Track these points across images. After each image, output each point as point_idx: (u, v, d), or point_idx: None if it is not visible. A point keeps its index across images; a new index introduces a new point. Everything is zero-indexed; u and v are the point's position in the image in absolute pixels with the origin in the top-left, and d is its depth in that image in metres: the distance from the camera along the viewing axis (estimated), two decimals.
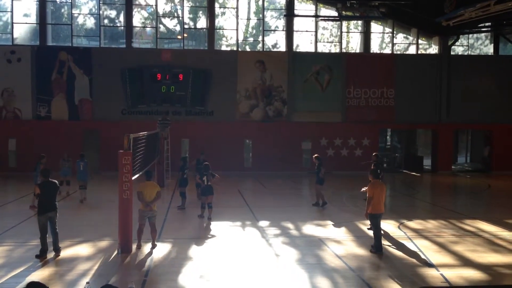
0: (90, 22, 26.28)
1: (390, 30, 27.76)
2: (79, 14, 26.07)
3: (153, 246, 10.81)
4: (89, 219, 14.20)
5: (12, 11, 25.05)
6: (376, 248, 10.56)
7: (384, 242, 11.06)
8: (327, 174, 16.72)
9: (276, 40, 27.49)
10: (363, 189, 10.94)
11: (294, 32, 26.94)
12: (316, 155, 16.60)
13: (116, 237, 10.81)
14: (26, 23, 25.73)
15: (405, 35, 28.48)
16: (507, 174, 26.19)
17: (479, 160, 29.98)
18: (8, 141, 24.64)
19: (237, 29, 26.54)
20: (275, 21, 27.56)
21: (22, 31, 25.73)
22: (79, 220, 14.02)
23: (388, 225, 12.93)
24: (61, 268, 9.41)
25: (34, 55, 24.89)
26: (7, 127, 24.61)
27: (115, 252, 10.42)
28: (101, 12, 25.80)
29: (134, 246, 10.66)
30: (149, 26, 26.61)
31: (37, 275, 8.90)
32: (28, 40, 25.63)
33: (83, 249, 10.72)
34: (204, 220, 13.87)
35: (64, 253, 10.31)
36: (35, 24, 25.48)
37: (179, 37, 26.61)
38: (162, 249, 10.74)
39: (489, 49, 28.76)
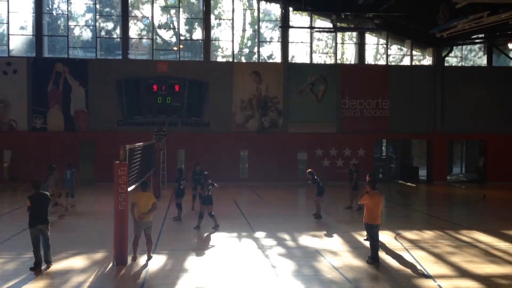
0: (87, 34, 26.36)
1: (385, 41, 27.97)
2: (75, 25, 26.14)
3: (149, 258, 10.75)
4: (84, 231, 14.11)
5: (8, 23, 25.08)
6: (373, 259, 10.54)
7: (381, 253, 11.04)
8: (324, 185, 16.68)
9: (271, 51, 27.64)
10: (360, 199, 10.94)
11: (290, 43, 27.10)
12: (309, 170, 16.68)
13: (111, 249, 10.74)
14: (22, 34, 25.77)
15: (399, 47, 28.70)
16: (502, 185, 26.28)
17: (474, 170, 30.07)
18: (4, 152, 24.53)
19: (232, 41, 26.68)
20: (271, 32, 27.73)
21: (18, 43, 25.75)
22: (74, 232, 13.93)
23: (385, 236, 12.92)
24: (55, 281, 9.33)
25: (30, 67, 24.90)
26: (2, 139, 24.50)
27: (110, 264, 10.35)
28: (97, 24, 25.88)
29: (129, 258, 10.59)
30: (145, 37, 26.71)
31: None
32: (24, 52, 25.65)
33: (78, 261, 10.64)
34: (200, 231, 13.80)
35: (59, 265, 10.24)
36: (31, 36, 25.51)
37: (175, 48, 26.71)
38: (157, 261, 10.68)
39: (483, 60, 29.01)
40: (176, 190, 15.87)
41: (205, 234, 13.52)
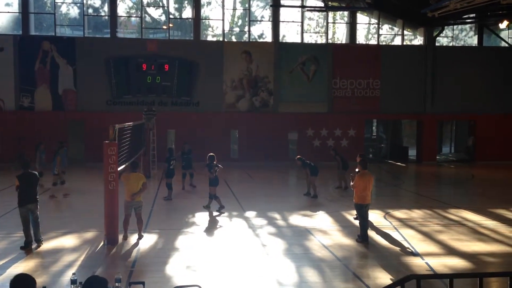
0: (74, 11, 25.88)
1: (376, 21, 27.82)
2: (62, 3, 25.60)
3: (140, 237, 10.77)
4: (75, 210, 14.09)
5: None
6: (362, 237, 10.65)
7: (370, 232, 11.15)
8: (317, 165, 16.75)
9: (262, 31, 27.39)
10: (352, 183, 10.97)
11: (281, 23, 26.85)
12: (297, 157, 16.74)
13: (102, 228, 10.73)
14: (8, 12, 25.22)
15: (390, 26, 28.58)
16: (491, 164, 26.56)
17: (463, 150, 30.35)
18: None
19: (223, 19, 26.36)
20: (261, 11, 27.45)
21: (4, 20, 25.23)
22: (64, 211, 13.90)
23: (374, 215, 13.03)
24: (46, 260, 9.32)
25: (17, 45, 24.42)
26: None
27: (101, 243, 10.35)
28: (85, 1, 25.40)
29: (120, 237, 10.60)
30: (134, 15, 26.30)
31: (22, 267, 8.81)
32: (10, 30, 25.15)
33: (69, 241, 10.64)
34: (194, 210, 13.83)
35: (49, 245, 10.22)
36: (18, 13, 25.00)
37: (165, 27, 26.35)
38: (148, 240, 10.70)
39: (473, 40, 29.01)
40: (166, 170, 15.84)
41: (196, 214, 13.55)
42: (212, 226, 12.18)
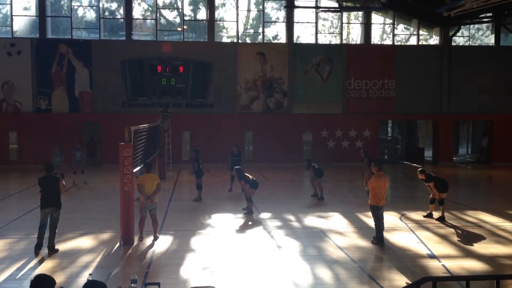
0: (90, 15, 26.17)
1: (391, 21, 27.63)
2: (78, 6, 25.93)
3: (155, 238, 10.83)
4: (91, 211, 14.22)
5: (11, 4, 24.89)
6: (377, 239, 10.58)
7: (386, 234, 11.07)
8: (326, 166, 16.72)
9: (276, 32, 27.39)
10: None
11: (295, 24, 26.81)
12: (305, 158, 16.80)
13: (118, 230, 10.83)
14: (25, 15, 25.61)
15: (406, 26, 28.36)
16: (508, 165, 26.15)
17: (478, 150, 29.96)
18: (9, 134, 24.61)
19: (237, 21, 26.42)
20: (276, 13, 27.45)
21: (21, 24, 25.61)
22: (80, 212, 14.04)
23: (390, 217, 12.94)
24: (64, 261, 9.43)
25: (34, 48, 24.78)
26: (7, 120, 24.57)
27: (117, 244, 10.45)
28: (100, 4, 25.67)
29: (136, 238, 10.68)
30: (149, 18, 26.49)
31: (40, 268, 8.93)
32: (27, 33, 25.52)
33: (85, 242, 10.75)
34: (209, 212, 13.88)
35: (66, 246, 10.34)
36: (35, 17, 25.35)
37: (179, 29, 26.49)
38: (164, 241, 10.77)
39: (490, 40, 28.65)
40: (196, 170, 15.70)
41: (211, 215, 13.59)
42: (227, 227, 12.20)
